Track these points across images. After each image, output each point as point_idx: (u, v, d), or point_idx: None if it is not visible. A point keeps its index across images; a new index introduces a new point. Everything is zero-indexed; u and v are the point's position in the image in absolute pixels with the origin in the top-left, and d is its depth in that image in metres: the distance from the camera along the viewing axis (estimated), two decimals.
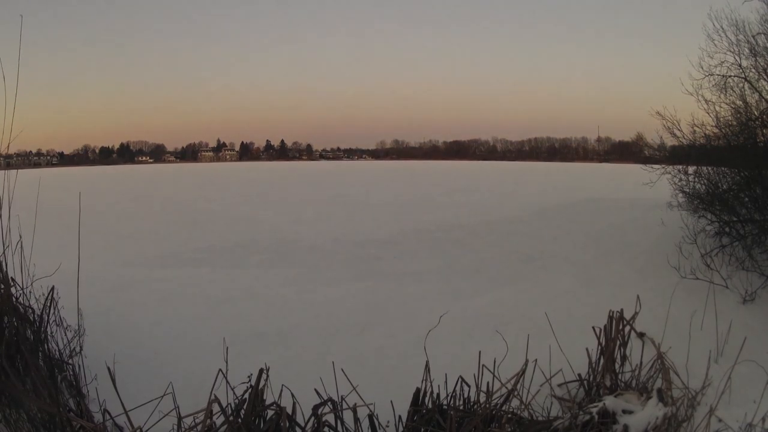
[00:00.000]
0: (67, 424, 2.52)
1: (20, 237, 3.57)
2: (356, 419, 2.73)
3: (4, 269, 3.37)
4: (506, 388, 2.87)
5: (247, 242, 8.77)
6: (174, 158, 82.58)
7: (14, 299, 3.40)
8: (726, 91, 6.80)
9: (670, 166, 7.74)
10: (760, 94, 6.46)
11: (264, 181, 27.14)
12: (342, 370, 2.96)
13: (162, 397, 2.71)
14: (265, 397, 2.70)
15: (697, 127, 7.06)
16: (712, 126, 6.92)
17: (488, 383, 2.83)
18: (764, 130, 6.33)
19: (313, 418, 2.69)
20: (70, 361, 3.42)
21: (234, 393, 2.73)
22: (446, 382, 2.89)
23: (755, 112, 6.45)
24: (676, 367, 3.50)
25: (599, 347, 3.45)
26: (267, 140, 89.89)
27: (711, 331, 4.12)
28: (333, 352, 3.93)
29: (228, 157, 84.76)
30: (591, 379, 3.41)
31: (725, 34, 6.74)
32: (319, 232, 9.70)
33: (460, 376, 2.89)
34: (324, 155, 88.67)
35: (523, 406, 2.91)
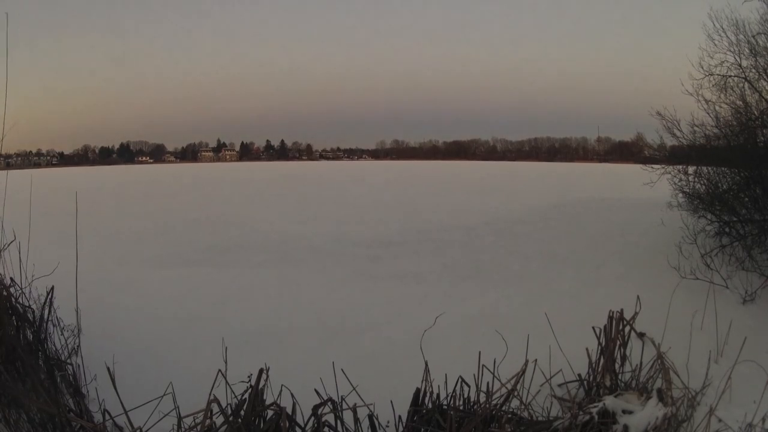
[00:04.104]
0: (66, 424, 2.52)
1: (15, 236, 3.56)
2: (356, 419, 2.72)
3: (3, 269, 3.37)
4: (506, 388, 2.86)
5: (246, 242, 8.76)
6: (174, 158, 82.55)
7: (13, 299, 3.40)
8: (726, 91, 6.80)
9: (670, 166, 7.74)
10: (760, 94, 6.46)
11: (264, 181, 27.12)
12: (342, 370, 2.96)
13: (162, 397, 2.71)
14: (265, 397, 2.70)
15: (697, 127, 7.06)
16: (712, 126, 6.92)
17: (488, 383, 2.83)
18: (764, 130, 6.32)
19: (313, 418, 2.69)
20: (69, 361, 3.42)
21: (234, 393, 2.73)
22: (446, 382, 2.89)
23: (755, 112, 6.44)
24: (676, 367, 3.49)
25: (599, 347, 3.45)
26: (267, 140, 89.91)
27: (711, 331, 4.11)
28: (333, 352, 3.92)
29: (228, 157, 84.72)
30: (591, 379, 3.40)
31: (725, 33, 6.75)
32: (319, 232, 9.70)
33: (460, 376, 2.89)
34: (324, 155, 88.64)
35: (523, 406, 2.91)
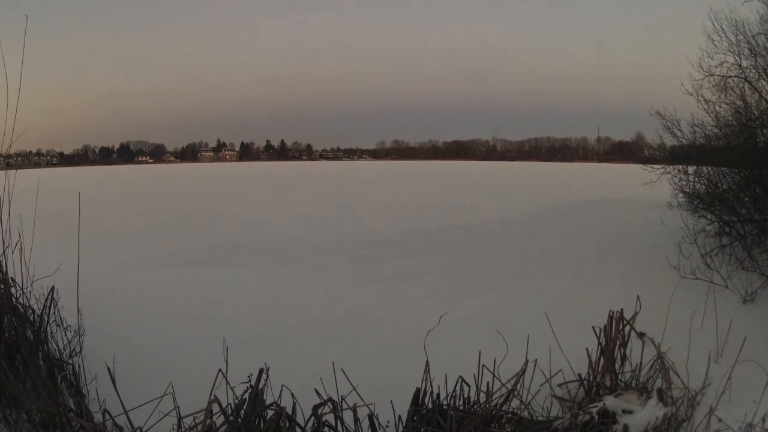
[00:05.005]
0: (67, 424, 2.52)
1: (20, 237, 3.57)
2: (356, 419, 2.73)
3: (4, 269, 3.37)
4: (506, 388, 2.86)
5: (247, 242, 8.76)
6: (174, 158, 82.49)
7: (14, 299, 3.40)
8: (726, 91, 6.81)
9: (670, 166, 7.75)
10: (760, 95, 6.47)
11: (264, 181, 27.13)
12: (342, 370, 2.96)
13: (162, 397, 2.71)
14: (265, 397, 2.70)
15: (697, 127, 7.07)
16: (712, 126, 6.93)
17: (488, 383, 2.83)
18: (764, 130, 6.32)
19: (313, 418, 2.69)
20: (69, 361, 3.42)
21: (234, 393, 2.73)
22: (446, 382, 2.89)
23: (755, 112, 6.45)
24: (676, 367, 3.49)
25: (599, 347, 3.45)
26: (267, 140, 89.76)
27: (711, 331, 4.12)
28: (333, 352, 3.93)
29: (228, 157, 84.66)
30: (591, 379, 3.41)
31: (725, 34, 6.76)
32: (318, 232, 9.70)
33: (460, 376, 2.89)
34: (324, 155, 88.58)
35: (523, 406, 2.91)
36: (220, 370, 2.74)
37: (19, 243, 3.58)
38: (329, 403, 2.74)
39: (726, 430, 2.99)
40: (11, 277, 3.51)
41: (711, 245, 6.37)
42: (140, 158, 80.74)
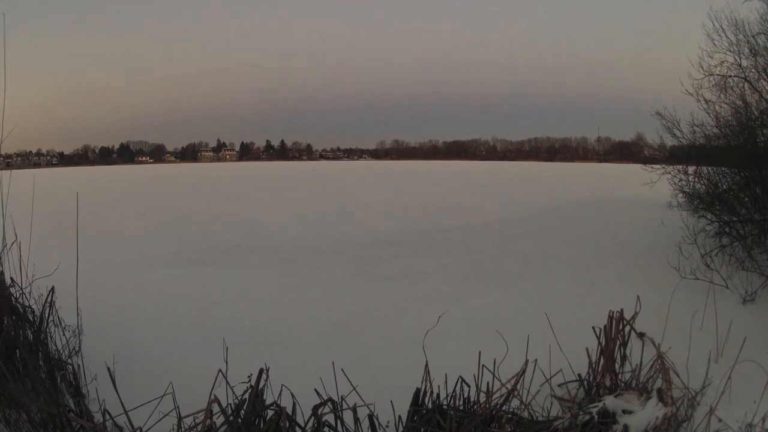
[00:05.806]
0: (66, 424, 2.52)
1: (17, 237, 3.57)
2: (356, 419, 2.73)
3: (3, 269, 3.38)
4: (506, 388, 2.86)
5: (246, 242, 8.76)
6: (174, 158, 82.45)
7: (13, 299, 3.40)
8: (726, 91, 6.81)
9: (670, 166, 7.75)
10: (760, 94, 6.46)
11: (264, 181, 27.12)
12: (342, 370, 2.96)
13: (162, 397, 2.71)
14: (265, 397, 2.70)
15: (697, 127, 7.07)
16: (712, 126, 6.93)
17: (488, 383, 2.83)
18: (764, 130, 6.32)
19: (313, 418, 2.69)
20: (69, 361, 3.42)
21: (234, 393, 2.73)
22: (446, 382, 2.89)
23: (755, 112, 6.45)
24: (676, 367, 3.49)
25: (599, 347, 3.45)
26: (267, 140, 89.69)
27: (711, 331, 4.12)
28: (333, 352, 3.93)
29: (228, 157, 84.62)
30: (591, 379, 3.41)
31: (725, 34, 6.76)
32: (318, 232, 9.70)
33: (460, 376, 2.89)
34: (324, 155, 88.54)
35: (523, 406, 2.91)
36: (220, 370, 2.74)
37: (18, 243, 3.58)
38: (329, 404, 2.74)
39: (726, 430, 2.99)
40: (10, 277, 3.51)
41: (711, 245, 6.37)
42: (140, 158, 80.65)
